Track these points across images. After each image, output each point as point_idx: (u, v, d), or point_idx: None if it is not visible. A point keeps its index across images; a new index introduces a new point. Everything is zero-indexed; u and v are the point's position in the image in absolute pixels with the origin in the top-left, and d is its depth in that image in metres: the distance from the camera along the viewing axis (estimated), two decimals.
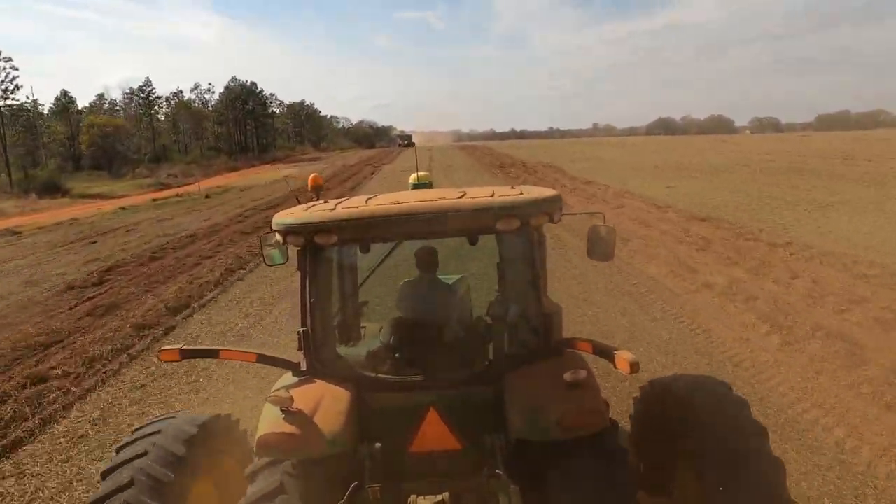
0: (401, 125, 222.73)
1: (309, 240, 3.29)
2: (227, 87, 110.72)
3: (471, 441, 3.39)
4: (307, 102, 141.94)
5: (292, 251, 3.71)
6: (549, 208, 3.34)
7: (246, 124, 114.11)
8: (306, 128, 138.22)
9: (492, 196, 3.34)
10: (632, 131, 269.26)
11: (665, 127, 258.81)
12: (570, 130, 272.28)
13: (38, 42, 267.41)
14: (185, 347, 3.64)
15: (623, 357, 3.00)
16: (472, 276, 5.00)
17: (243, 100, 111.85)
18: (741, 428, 3.65)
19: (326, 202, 3.71)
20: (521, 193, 3.41)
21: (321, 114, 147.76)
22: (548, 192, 3.49)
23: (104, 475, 3.65)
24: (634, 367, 2.95)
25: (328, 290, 3.89)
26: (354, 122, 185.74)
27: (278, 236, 3.45)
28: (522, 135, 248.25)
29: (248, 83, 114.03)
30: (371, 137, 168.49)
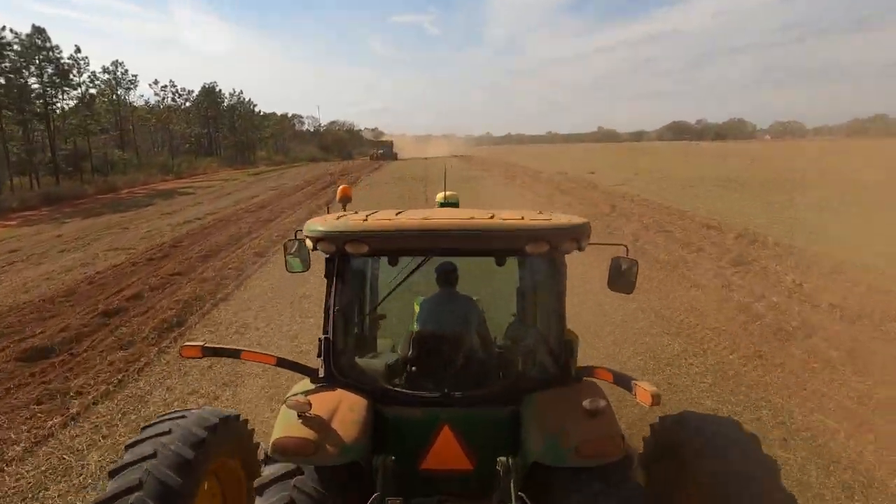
0: (390, 130, 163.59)
1: (340, 248, 3.26)
2: None
3: (483, 462, 3.37)
4: (235, 90, 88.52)
5: (314, 261, 3.79)
6: (578, 235, 3.32)
7: None
8: (220, 130, 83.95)
9: (522, 220, 3.33)
10: (640, 136, 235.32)
11: (678, 131, 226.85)
12: (571, 135, 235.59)
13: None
14: (207, 345, 3.56)
15: (644, 388, 2.91)
16: (484, 299, 5.03)
17: None
18: (752, 464, 3.54)
19: (356, 213, 3.71)
20: (551, 219, 3.41)
21: (256, 108, 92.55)
22: (577, 219, 3.48)
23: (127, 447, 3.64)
24: (656, 399, 2.86)
25: (352, 300, 3.88)
26: (325, 122, 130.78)
27: (309, 242, 3.38)
28: (521, 140, 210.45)
29: None
30: (345, 144, 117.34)
